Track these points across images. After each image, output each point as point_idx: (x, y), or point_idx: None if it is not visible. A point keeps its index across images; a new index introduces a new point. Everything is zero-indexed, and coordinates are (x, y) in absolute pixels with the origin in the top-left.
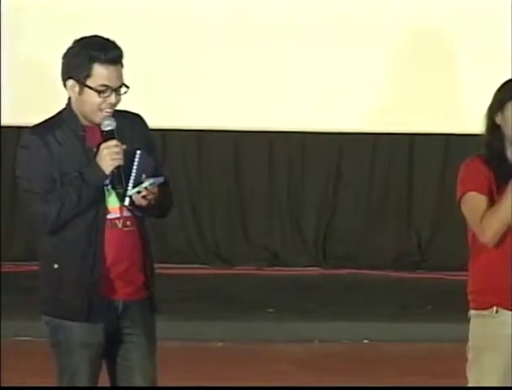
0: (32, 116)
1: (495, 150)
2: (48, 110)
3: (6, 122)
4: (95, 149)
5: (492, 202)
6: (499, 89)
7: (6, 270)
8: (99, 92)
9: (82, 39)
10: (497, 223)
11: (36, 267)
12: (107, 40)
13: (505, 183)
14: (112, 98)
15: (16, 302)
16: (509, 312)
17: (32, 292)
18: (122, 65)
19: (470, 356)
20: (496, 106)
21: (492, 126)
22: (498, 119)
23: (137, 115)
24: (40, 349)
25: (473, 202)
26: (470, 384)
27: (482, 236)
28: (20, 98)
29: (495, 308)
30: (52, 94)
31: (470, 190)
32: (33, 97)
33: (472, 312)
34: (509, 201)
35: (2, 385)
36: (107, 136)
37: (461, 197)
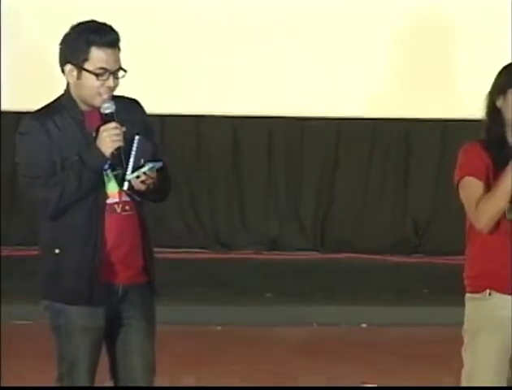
0: (31, 102)
1: (495, 134)
2: (47, 96)
3: (5, 107)
4: (94, 133)
5: (488, 188)
6: (500, 73)
7: (7, 254)
8: (97, 75)
9: (79, 24)
10: (492, 209)
11: (36, 252)
12: (104, 24)
13: (504, 168)
14: (110, 82)
15: (16, 287)
16: (503, 295)
17: (33, 277)
18: (119, 49)
19: (465, 338)
20: (497, 89)
21: (493, 110)
22: (499, 103)
23: (135, 100)
24: (40, 333)
25: (469, 188)
26: (466, 366)
27: (477, 222)
28: (20, 85)
29: (488, 291)
30: (50, 81)
31: (468, 175)
32: (32, 83)
33: (467, 295)
34: (505, 186)
35: (2, 385)
36: (107, 118)
37: (458, 182)
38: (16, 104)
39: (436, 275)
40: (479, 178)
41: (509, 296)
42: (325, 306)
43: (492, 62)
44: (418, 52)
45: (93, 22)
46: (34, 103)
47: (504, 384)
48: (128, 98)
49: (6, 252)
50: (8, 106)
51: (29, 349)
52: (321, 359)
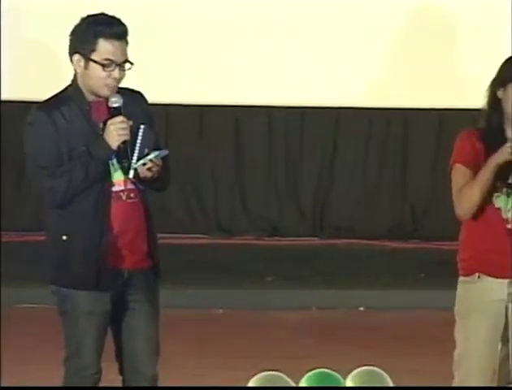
0: (34, 92)
1: (494, 124)
2: (49, 86)
3: (12, 97)
4: (102, 125)
5: (477, 167)
6: (503, 64)
7: (13, 239)
8: (104, 66)
9: (88, 16)
10: (472, 197)
11: (41, 237)
12: (113, 17)
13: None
14: (116, 73)
15: (22, 271)
16: (492, 278)
17: (38, 262)
18: (127, 42)
19: (457, 320)
20: (499, 81)
21: (494, 100)
22: (500, 94)
23: (138, 93)
24: (44, 316)
25: (457, 174)
26: (458, 347)
27: (458, 208)
28: (19, 74)
29: (477, 274)
30: (52, 71)
31: (458, 162)
32: (32, 73)
33: (459, 278)
34: (485, 175)
35: (2, 385)
36: (114, 112)
37: (451, 168)
38: (20, 93)
39: (433, 260)
40: (467, 166)
41: (498, 280)
42: (324, 290)
43: (488, 54)
44: (415, 44)
45: (102, 15)
46: (35, 93)
47: (494, 365)
48: (132, 90)
49: (12, 237)
50: (14, 95)
51: (33, 331)
52: (320, 341)
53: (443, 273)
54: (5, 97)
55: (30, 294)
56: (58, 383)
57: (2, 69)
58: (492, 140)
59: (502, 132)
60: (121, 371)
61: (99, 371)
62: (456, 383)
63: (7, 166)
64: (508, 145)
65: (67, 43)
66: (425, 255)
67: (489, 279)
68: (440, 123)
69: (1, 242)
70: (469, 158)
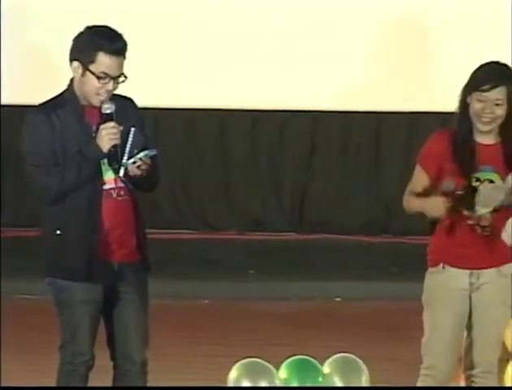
0: (30, 96)
1: (463, 128)
2: (45, 90)
3: (15, 101)
4: (95, 129)
5: (439, 173)
6: (473, 72)
7: (15, 235)
8: (99, 78)
9: (93, 27)
10: (409, 209)
11: (36, 233)
12: (115, 32)
13: (461, 160)
14: (110, 85)
15: (23, 265)
16: (455, 269)
17: (35, 256)
18: (124, 57)
19: (424, 309)
20: (467, 88)
21: (464, 105)
22: (468, 100)
23: (129, 99)
24: (41, 307)
25: (415, 175)
26: (425, 333)
27: (403, 204)
28: (22, 79)
29: (442, 264)
30: (48, 76)
31: (421, 163)
32: (31, 78)
33: (428, 270)
34: (422, 208)
35: (2, 385)
36: (106, 118)
37: (416, 161)
38: (19, 97)
39: (404, 253)
40: (427, 171)
41: (461, 270)
42: (303, 282)
43: (459, 59)
44: (388, 51)
45: (105, 28)
46: (31, 97)
47: (457, 351)
48: (123, 97)
49: (15, 233)
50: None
51: (30, 321)
52: (299, 330)
53: (414, 266)
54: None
55: (27, 286)
56: (53, 369)
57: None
58: (460, 143)
59: (471, 136)
60: (112, 357)
61: (92, 358)
62: (424, 367)
63: (6, 166)
64: (443, 199)
65: (65, 48)
66: (397, 249)
67: (452, 269)
68: (410, 126)
69: (1, 237)
70: (431, 163)
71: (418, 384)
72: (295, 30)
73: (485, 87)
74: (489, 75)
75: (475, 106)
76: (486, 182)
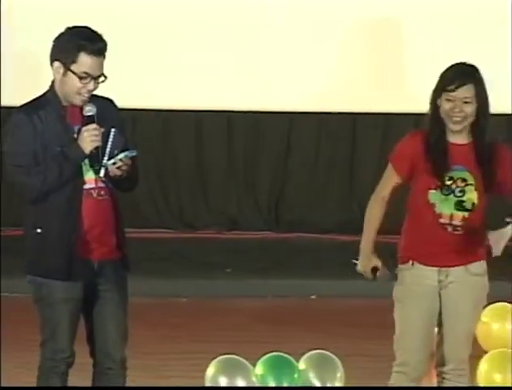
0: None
1: (435, 129)
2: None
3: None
4: (76, 130)
5: (411, 173)
6: (443, 73)
7: (6, 234)
8: (80, 78)
9: (74, 27)
10: (364, 227)
11: (14, 232)
12: (95, 32)
13: (434, 160)
14: (91, 85)
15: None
16: (424, 266)
17: (13, 255)
18: (104, 57)
19: (395, 304)
20: (437, 90)
21: (435, 107)
22: (439, 102)
23: (110, 100)
24: (17, 304)
25: (386, 174)
26: (396, 329)
27: (368, 207)
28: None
29: (411, 261)
30: (30, 78)
31: (393, 163)
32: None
33: (398, 267)
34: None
35: (2, 385)
36: (88, 120)
37: (388, 159)
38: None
39: (378, 252)
40: (398, 172)
41: (429, 267)
42: (279, 280)
43: (433, 60)
44: (363, 52)
45: (86, 28)
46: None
47: (428, 347)
48: (104, 98)
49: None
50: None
51: (18, 318)
52: (275, 327)
53: (387, 264)
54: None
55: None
56: (34, 366)
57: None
58: (433, 143)
59: (444, 136)
60: (92, 354)
61: (73, 355)
62: (396, 364)
63: None
64: (366, 264)
65: (46, 49)
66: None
67: (421, 266)
68: (384, 126)
69: (1, 237)
70: (403, 164)
71: (391, 381)
72: (270, 33)
73: (452, 86)
74: (455, 75)
75: (445, 106)
76: (459, 180)
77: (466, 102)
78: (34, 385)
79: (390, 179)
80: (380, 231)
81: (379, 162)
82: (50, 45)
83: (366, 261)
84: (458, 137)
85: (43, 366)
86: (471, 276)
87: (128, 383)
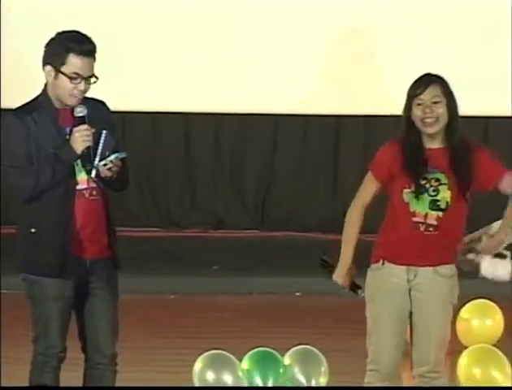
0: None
1: (411, 136)
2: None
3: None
4: (68, 131)
5: (389, 178)
6: (411, 85)
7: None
8: (71, 79)
9: (63, 32)
10: (343, 234)
11: (6, 231)
12: (84, 35)
13: (411, 164)
14: (82, 86)
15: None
16: (393, 265)
17: (5, 253)
18: (94, 58)
19: (366, 302)
20: (407, 99)
21: (408, 117)
22: (412, 116)
23: (102, 102)
24: (9, 300)
25: (366, 182)
26: (368, 329)
27: (348, 212)
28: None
29: (381, 261)
30: (29, 83)
31: (373, 171)
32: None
33: (370, 266)
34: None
35: (2, 385)
36: (79, 121)
37: (368, 169)
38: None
39: (361, 251)
40: (378, 179)
41: (398, 266)
42: (264, 277)
43: (412, 64)
44: (345, 60)
45: (75, 32)
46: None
47: (400, 345)
48: (97, 100)
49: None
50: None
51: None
52: (261, 323)
53: (369, 263)
54: None
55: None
56: (27, 361)
57: None
58: (410, 149)
59: (420, 143)
60: (83, 349)
61: (64, 350)
62: (368, 362)
63: None
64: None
65: (40, 54)
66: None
67: (391, 265)
68: (366, 128)
69: (0, 236)
70: (383, 171)
71: (366, 380)
72: (257, 37)
73: (419, 90)
74: (421, 79)
75: (417, 112)
76: (432, 180)
77: (435, 102)
78: (25, 379)
79: (369, 186)
80: (363, 230)
81: (362, 163)
82: (41, 49)
83: (343, 270)
84: (434, 142)
85: (35, 361)
86: (440, 278)
87: (117, 378)
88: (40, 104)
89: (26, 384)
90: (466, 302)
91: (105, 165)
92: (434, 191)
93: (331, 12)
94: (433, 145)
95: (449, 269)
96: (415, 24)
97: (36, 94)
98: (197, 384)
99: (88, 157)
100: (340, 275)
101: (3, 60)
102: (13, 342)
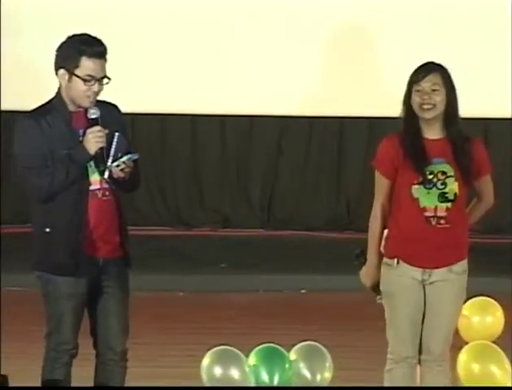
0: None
1: (410, 126)
2: (35, 97)
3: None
4: (82, 133)
5: (394, 174)
6: (412, 72)
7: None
8: (85, 81)
9: (74, 36)
10: (369, 237)
11: (21, 230)
12: (95, 37)
13: (413, 156)
14: (95, 87)
15: (3, 260)
16: (408, 265)
17: (20, 251)
18: (105, 60)
19: (383, 298)
20: (408, 86)
21: (408, 105)
22: (411, 101)
23: (114, 105)
24: (23, 297)
25: (377, 183)
26: (386, 322)
27: (373, 212)
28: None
29: (396, 259)
30: (37, 85)
31: (378, 169)
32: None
33: (383, 260)
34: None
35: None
36: (92, 122)
37: (373, 166)
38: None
39: (364, 249)
40: (386, 175)
41: (413, 267)
42: (270, 275)
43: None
44: (349, 62)
45: (85, 35)
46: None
47: (417, 335)
48: (109, 103)
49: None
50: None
51: (16, 310)
52: (267, 319)
53: (356, 259)
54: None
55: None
56: (39, 356)
57: None
58: (410, 140)
59: (419, 132)
60: (95, 346)
61: (76, 347)
62: (388, 351)
63: None
64: (370, 273)
65: (51, 58)
66: (358, 244)
67: (405, 265)
68: (369, 129)
69: (0, 234)
70: (387, 165)
71: (386, 367)
72: (264, 37)
73: (419, 77)
74: (421, 67)
75: (416, 98)
76: (439, 174)
77: (434, 90)
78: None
79: (381, 185)
80: (366, 228)
81: (365, 163)
82: (44, 50)
83: (368, 269)
84: (433, 132)
85: (48, 357)
86: (454, 275)
87: (128, 373)
88: (54, 107)
89: (38, 379)
90: (468, 299)
91: (118, 166)
92: (442, 184)
93: (337, 15)
94: (433, 135)
95: (461, 266)
96: (418, 26)
97: (35, 95)
98: (204, 379)
99: (101, 157)
100: (364, 274)
101: (3, 60)
102: (26, 338)
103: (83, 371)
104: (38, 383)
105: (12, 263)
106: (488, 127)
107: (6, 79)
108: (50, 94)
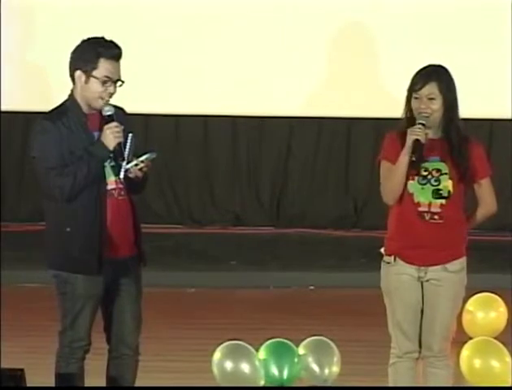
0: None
1: (408, 128)
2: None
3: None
4: (97, 137)
5: (396, 161)
6: (412, 77)
7: (14, 229)
8: (102, 82)
9: (90, 39)
10: (390, 184)
11: (38, 227)
12: (111, 41)
13: (415, 153)
14: (111, 88)
15: (19, 256)
16: (405, 263)
17: (34, 248)
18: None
19: (384, 295)
20: (408, 91)
21: (409, 107)
22: (412, 102)
23: (121, 108)
24: (37, 293)
25: (382, 169)
26: (387, 316)
27: (383, 196)
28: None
29: (393, 256)
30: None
31: (382, 158)
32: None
33: (383, 258)
34: (399, 164)
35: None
36: (108, 119)
37: (378, 163)
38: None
39: (372, 246)
40: (390, 160)
41: (410, 265)
42: (280, 272)
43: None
44: (355, 65)
45: (102, 38)
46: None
47: (417, 330)
48: (116, 106)
49: (13, 227)
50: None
51: (28, 306)
52: (276, 315)
53: (380, 258)
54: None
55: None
56: (53, 350)
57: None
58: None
59: None
60: (108, 341)
61: (89, 343)
62: (391, 345)
63: (9, 166)
64: (415, 127)
65: (60, 62)
66: (365, 242)
67: (402, 263)
68: (376, 130)
69: (1, 231)
70: (391, 155)
71: (390, 361)
72: (275, 40)
73: (418, 85)
74: (421, 75)
75: (414, 104)
76: (434, 171)
77: (430, 99)
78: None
79: (387, 169)
80: (373, 226)
81: (372, 163)
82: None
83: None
84: (431, 133)
85: (61, 352)
86: (450, 274)
87: (141, 366)
88: (68, 109)
89: (52, 373)
90: (472, 295)
91: (136, 165)
92: (436, 181)
93: (344, 17)
94: (431, 135)
95: (458, 264)
96: (421, 28)
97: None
98: (216, 373)
99: (120, 153)
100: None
101: (4, 60)
102: (39, 332)
103: (95, 365)
104: (53, 377)
105: (30, 260)
106: (492, 128)
107: (18, 80)
108: (56, 96)
